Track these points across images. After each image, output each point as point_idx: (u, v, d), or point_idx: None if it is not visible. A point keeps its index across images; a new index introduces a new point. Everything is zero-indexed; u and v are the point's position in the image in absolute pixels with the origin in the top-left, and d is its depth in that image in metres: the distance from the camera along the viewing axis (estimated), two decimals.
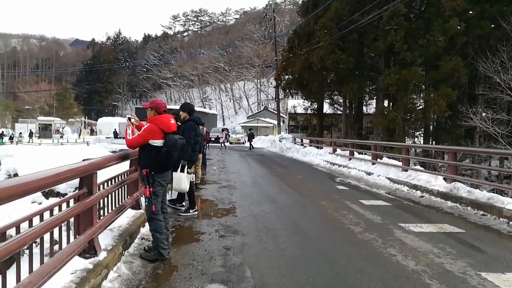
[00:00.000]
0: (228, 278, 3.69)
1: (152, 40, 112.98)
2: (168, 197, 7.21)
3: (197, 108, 46.20)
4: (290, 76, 25.80)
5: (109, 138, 36.41)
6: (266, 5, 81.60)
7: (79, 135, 45.76)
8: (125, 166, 5.71)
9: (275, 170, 13.82)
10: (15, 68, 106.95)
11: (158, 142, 4.08)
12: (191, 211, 6.42)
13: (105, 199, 4.23)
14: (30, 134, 40.52)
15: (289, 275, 3.79)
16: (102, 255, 3.55)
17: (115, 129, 37.22)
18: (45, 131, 44.39)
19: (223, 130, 32.91)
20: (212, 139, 31.95)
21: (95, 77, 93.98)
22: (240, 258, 4.29)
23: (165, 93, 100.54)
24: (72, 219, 3.38)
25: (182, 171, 6.07)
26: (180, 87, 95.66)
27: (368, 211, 6.88)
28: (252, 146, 27.85)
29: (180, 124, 6.64)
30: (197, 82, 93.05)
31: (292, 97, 30.14)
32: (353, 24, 18.47)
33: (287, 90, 27.25)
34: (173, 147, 4.10)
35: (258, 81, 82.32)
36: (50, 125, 45.69)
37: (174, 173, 6.37)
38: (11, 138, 41.53)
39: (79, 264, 3.27)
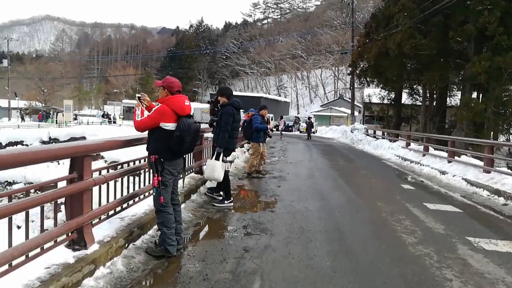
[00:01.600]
0: None
1: (232, 28, 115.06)
2: (208, 184, 6.88)
3: (268, 96, 46.40)
4: (365, 63, 24.15)
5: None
6: None
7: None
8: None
9: (338, 163, 12.86)
10: (108, 55, 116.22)
11: (170, 126, 3.61)
12: (226, 202, 5.94)
13: (114, 185, 3.89)
14: (106, 115, 44.10)
15: None
16: (92, 248, 3.19)
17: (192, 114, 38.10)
18: (128, 113, 47.32)
19: (281, 118, 32.04)
20: (279, 127, 31.39)
21: (177, 63, 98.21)
22: (256, 263, 3.69)
23: (242, 80, 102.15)
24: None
25: (217, 159, 5.64)
26: (257, 75, 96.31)
27: (430, 217, 5.82)
28: (311, 135, 26.69)
29: (218, 109, 6.20)
30: (274, 70, 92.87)
31: (368, 85, 28.29)
32: (437, 4, 16.45)
33: (362, 78, 25.57)
34: (187, 132, 3.60)
35: (336, 69, 79.62)
36: (133, 107, 48.51)
37: (208, 160, 5.98)
38: (106, 116, 45.48)
39: (61, 257, 2.94)
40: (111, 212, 3.79)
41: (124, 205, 4.00)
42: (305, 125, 30.30)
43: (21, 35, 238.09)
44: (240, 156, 11.28)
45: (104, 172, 3.62)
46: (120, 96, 62.60)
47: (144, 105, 3.90)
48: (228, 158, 9.43)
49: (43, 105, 49.59)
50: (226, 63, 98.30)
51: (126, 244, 3.68)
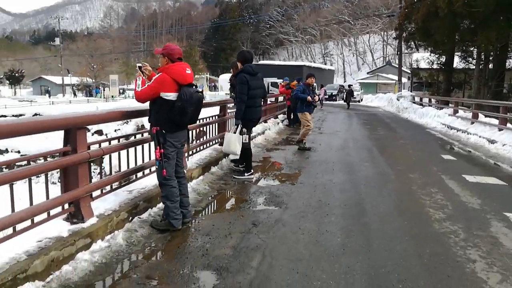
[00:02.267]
0: (227, 265, 2.99)
1: None
2: (232, 156, 6.74)
3: (311, 64, 44.76)
4: (413, 26, 22.53)
5: (228, 94, 37.66)
6: None
7: (202, 90, 48.54)
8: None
9: (378, 132, 12.26)
10: (153, 28, 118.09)
11: (171, 96, 3.44)
12: (246, 174, 5.78)
13: (119, 158, 3.84)
14: None
15: (305, 273, 2.91)
16: (90, 221, 3.17)
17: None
18: None
19: (321, 86, 30.98)
20: (320, 96, 30.33)
21: (220, 34, 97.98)
22: (262, 239, 3.53)
23: (287, 49, 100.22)
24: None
25: (236, 131, 5.48)
26: (301, 43, 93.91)
27: (467, 191, 5.34)
28: (349, 104, 25.54)
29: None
30: (319, 37, 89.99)
31: (417, 50, 26.59)
32: None
33: (410, 42, 24.02)
34: (188, 102, 3.42)
35: (385, 33, 75.58)
36: None
37: (226, 133, 5.82)
38: None
39: (55, 231, 2.93)
40: (116, 185, 3.75)
41: (133, 177, 3.96)
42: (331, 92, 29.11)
43: (74, 13, 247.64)
44: (272, 127, 11.04)
45: (105, 144, 3.57)
46: None
47: (146, 75, 3.74)
48: (258, 129, 9.28)
49: (93, 80, 51.63)
50: (270, 32, 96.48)
51: (130, 218, 3.64)
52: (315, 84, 9.35)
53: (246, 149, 5.77)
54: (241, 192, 5.11)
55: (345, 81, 68.57)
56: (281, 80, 16.87)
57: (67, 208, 3.13)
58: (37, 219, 2.81)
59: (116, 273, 2.89)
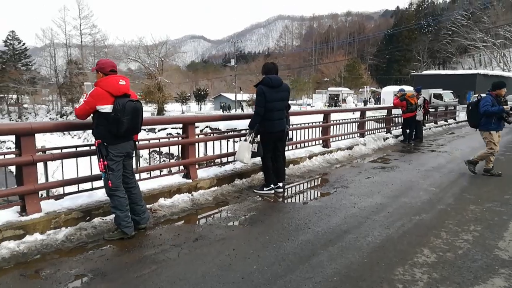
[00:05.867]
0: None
1: None
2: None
3: (488, 72, 38.08)
4: None
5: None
6: None
7: (365, 104, 47.28)
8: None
9: None
10: (325, 44, 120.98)
11: (107, 108, 3.58)
12: (264, 189, 5.51)
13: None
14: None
15: None
16: (32, 216, 3.63)
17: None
18: (331, 100, 48.32)
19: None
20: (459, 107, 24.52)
21: (394, 45, 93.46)
22: (181, 257, 3.37)
23: (472, 56, 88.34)
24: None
25: (247, 139, 5.40)
26: (491, 48, 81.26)
27: None
28: None
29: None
30: None
31: None
32: None
33: None
34: (122, 112, 3.56)
35: None
36: (338, 95, 49.31)
37: (241, 141, 5.68)
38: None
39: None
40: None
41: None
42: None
43: (259, 36, 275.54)
44: (371, 142, 10.03)
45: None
46: (329, 84, 64.50)
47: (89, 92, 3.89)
48: (345, 143, 8.69)
49: None
50: (452, 39, 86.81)
51: (88, 217, 3.98)
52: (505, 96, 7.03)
53: (264, 161, 5.54)
54: (236, 210, 4.81)
55: None
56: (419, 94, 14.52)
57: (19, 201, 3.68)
58: None
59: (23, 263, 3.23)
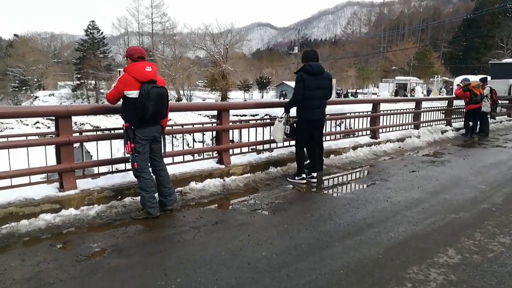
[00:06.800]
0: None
1: None
2: None
3: None
4: None
5: None
6: None
7: (428, 94, 44.38)
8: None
9: None
10: (396, 30, 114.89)
11: (134, 93, 3.76)
12: (296, 178, 5.47)
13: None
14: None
15: None
16: (68, 192, 3.96)
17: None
18: (399, 90, 45.95)
19: None
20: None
21: (473, 32, 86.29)
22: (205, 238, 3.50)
23: None
24: None
25: (282, 120, 5.56)
26: None
27: None
28: None
29: None
30: None
31: None
32: None
33: None
34: (146, 97, 3.72)
35: None
36: (406, 84, 46.73)
37: (276, 120, 5.68)
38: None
39: (37, 194, 3.86)
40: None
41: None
42: None
43: (327, 23, 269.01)
44: (425, 135, 9.45)
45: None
46: (397, 73, 61.21)
47: None
48: (396, 135, 8.46)
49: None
50: None
51: (119, 197, 4.25)
52: None
53: (297, 150, 5.51)
54: (263, 197, 4.81)
55: None
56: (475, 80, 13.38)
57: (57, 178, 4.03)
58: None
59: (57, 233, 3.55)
